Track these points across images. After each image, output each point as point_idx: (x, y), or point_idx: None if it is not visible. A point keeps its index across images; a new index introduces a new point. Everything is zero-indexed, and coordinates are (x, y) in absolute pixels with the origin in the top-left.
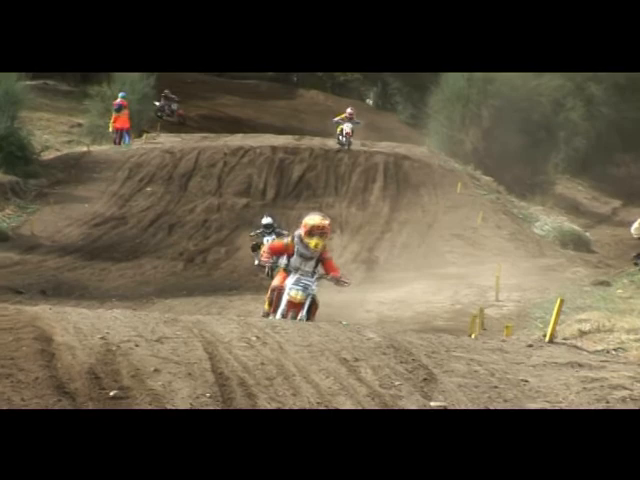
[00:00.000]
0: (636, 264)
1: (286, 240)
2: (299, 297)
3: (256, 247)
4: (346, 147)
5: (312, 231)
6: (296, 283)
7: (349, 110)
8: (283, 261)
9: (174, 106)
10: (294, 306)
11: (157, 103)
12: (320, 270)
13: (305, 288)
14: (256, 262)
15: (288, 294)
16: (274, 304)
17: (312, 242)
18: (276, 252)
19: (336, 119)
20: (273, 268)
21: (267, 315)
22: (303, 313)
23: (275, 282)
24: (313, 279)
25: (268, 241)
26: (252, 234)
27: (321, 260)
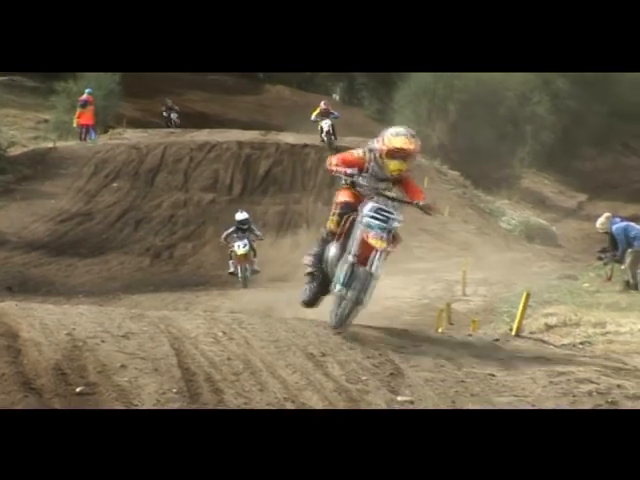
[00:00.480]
0: (600, 258)
1: (359, 152)
2: (379, 243)
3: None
4: (333, 145)
5: (394, 153)
6: (376, 213)
7: (323, 104)
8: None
9: (173, 115)
10: (369, 249)
11: (164, 114)
12: (400, 194)
13: (385, 223)
14: (230, 269)
15: (366, 231)
16: (344, 229)
17: (391, 165)
18: (348, 165)
19: (313, 117)
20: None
21: (330, 236)
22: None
23: (342, 197)
24: (395, 211)
25: (240, 247)
26: (223, 238)
27: (400, 181)
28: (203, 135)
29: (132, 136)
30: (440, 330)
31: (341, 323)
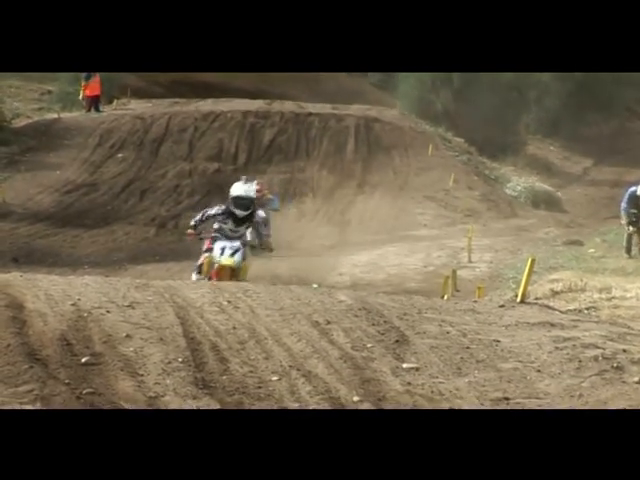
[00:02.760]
0: (633, 222)
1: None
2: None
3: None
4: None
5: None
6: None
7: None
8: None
9: None
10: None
11: None
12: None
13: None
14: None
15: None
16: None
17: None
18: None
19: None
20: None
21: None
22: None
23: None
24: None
25: (224, 253)
26: (193, 225)
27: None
28: (207, 105)
29: (137, 106)
30: (446, 297)
31: None
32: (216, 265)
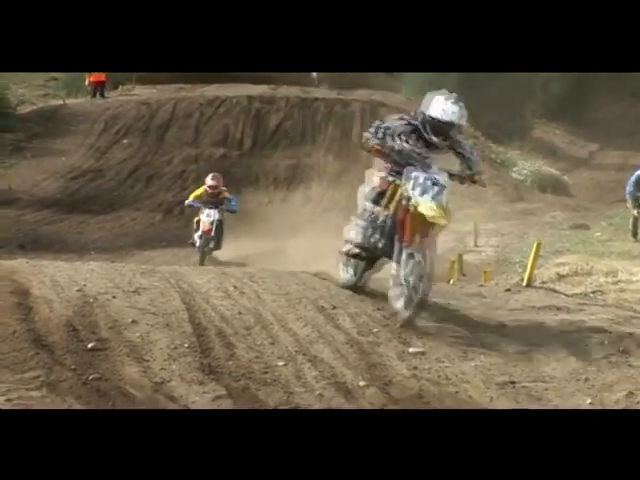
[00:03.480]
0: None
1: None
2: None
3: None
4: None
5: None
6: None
7: (210, 178)
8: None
9: None
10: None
11: None
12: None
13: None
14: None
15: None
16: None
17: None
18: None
19: (189, 201)
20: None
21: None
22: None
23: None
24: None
25: (210, 217)
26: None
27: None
28: (213, 90)
29: (142, 92)
30: (452, 281)
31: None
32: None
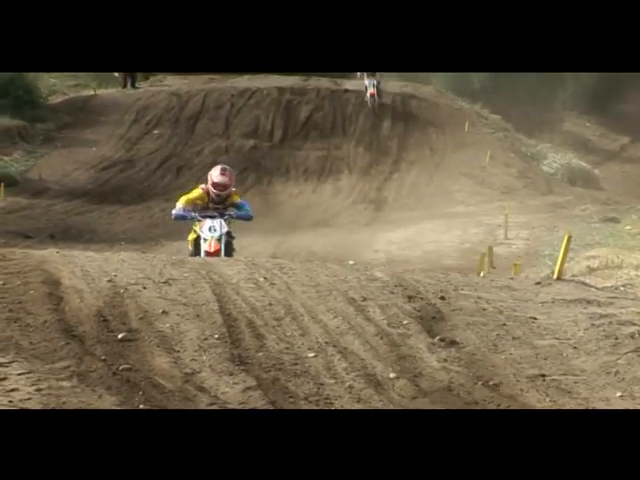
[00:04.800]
0: None
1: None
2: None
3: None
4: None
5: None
6: (208, 230)
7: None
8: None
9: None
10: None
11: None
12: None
13: (215, 233)
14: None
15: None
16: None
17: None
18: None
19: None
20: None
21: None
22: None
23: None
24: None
25: (212, 231)
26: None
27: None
28: (243, 81)
29: (173, 83)
30: (482, 274)
31: None
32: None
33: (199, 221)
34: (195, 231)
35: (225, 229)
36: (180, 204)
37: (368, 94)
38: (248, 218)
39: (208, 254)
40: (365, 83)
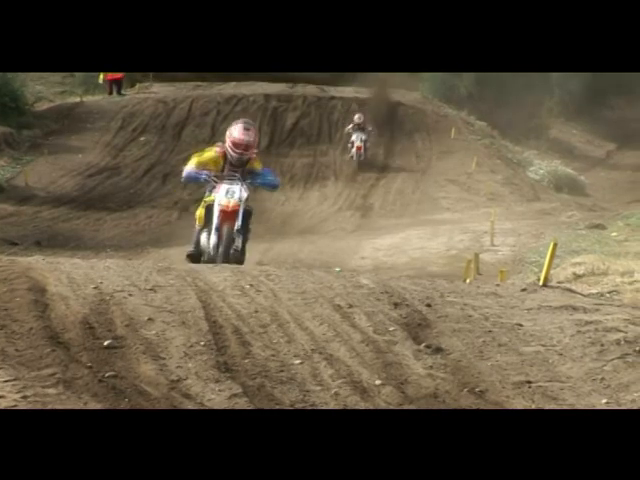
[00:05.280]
0: None
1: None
2: (230, 203)
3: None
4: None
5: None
6: (226, 193)
7: (357, 118)
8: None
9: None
10: (225, 215)
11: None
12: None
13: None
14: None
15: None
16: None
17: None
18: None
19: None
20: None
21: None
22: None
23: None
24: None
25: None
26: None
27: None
28: (230, 88)
29: (159, 90)
30: (468, 280)
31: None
32: None
33: (214, 185)
34: (206, 201)
35: (245, 194)
36: (191, 164)
37: (354, 148)
38: (274, 186)
39: (224, 214)
40: (352, 138)
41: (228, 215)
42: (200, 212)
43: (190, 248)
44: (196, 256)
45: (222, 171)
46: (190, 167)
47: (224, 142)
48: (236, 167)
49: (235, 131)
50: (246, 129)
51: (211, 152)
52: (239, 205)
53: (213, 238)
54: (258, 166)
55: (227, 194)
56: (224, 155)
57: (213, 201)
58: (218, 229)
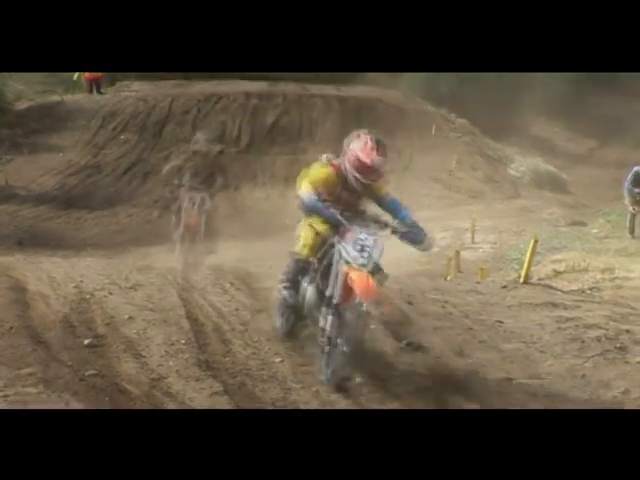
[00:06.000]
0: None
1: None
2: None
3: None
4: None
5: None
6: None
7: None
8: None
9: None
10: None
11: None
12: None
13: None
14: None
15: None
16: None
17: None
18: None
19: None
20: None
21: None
22: None
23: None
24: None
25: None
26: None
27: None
28: (210, 86)
29: (140, 88)
30: (449, 278)
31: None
32: None
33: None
34: (312, 226)
35: (380, 253)
36: (308, 187)
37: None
38: (421, 242)
39: (357, 285)
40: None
41: (365, 290)
42: (306, 234)
43: (282, 290)
44: (294, 309)
45: (338, 194)
46: (309, 193)
47: (339, 154)
48: (352, 192)
49: (363, 150)
50: (379, 150)
51: (325, 168)
52: (373, 285)
53: (330, 318)
54: (383, 191)
55: (362, 252)
56: (339, 172)
57: (329, 233)
58: (338, 305)
